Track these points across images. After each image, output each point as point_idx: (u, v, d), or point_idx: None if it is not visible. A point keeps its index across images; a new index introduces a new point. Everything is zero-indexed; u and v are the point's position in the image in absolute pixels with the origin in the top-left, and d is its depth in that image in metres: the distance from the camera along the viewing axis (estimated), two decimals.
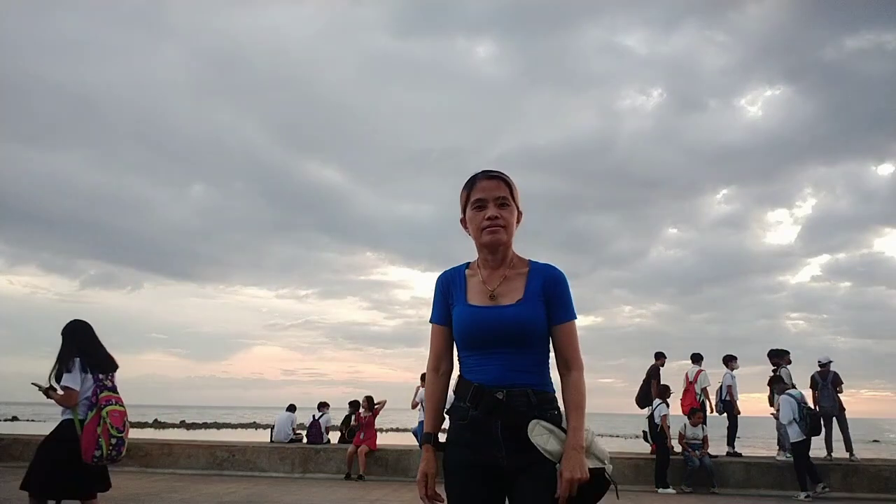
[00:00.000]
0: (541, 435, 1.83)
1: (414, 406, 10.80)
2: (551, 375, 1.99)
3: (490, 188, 1.98)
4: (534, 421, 1.85)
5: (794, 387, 9.91)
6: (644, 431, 10.54)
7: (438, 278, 2.11)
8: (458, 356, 2.03)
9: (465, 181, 2.06)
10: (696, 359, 11.29)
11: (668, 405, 10.15)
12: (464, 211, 2.05)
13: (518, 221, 2.04)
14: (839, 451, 9.85)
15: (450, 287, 2.05)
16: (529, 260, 2.06)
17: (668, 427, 9.87)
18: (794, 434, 9.05)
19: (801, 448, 9.05)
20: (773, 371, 10.39)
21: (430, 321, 2.08)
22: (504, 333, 1.90)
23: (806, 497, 8.75)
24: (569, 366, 1.95)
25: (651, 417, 10.11)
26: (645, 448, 10.92)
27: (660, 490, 9.37)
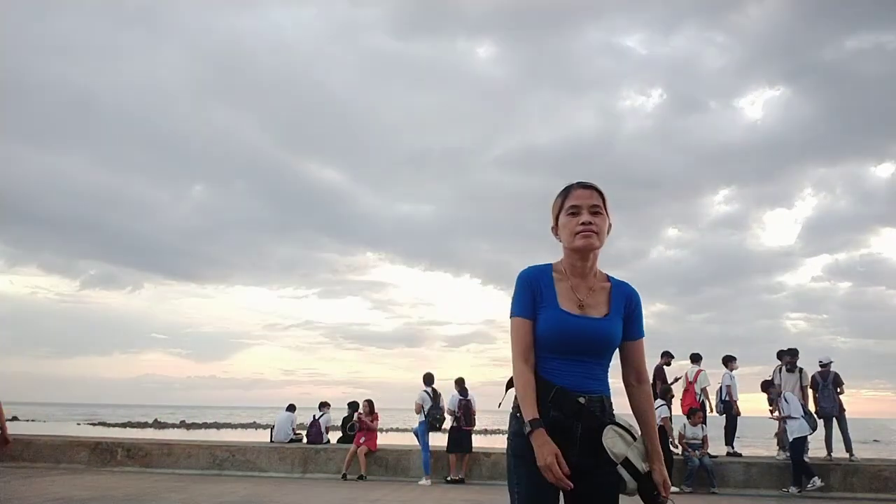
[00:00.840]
0: (611, 438, 2.00)
1: (418, 411, 10.71)
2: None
3: (584, 196, 2.10)
4: (609, 426, 2.02)
5: (803, 387, 9.96)
6: None
7: (523, 274, 2.15)
8: (536, 355, 2.09)
9: (560, 190, 2.18)
10: (696, 359, 11.28)
11: (669, 406, 10.10)
12: (556, 218, 2.17)
13: (608, 232, 2.15)
14: (839, 452, 9.85)
15: (538, 286, 2.12)
16: (607, 274, 2.19)
17: (671, 428, 9.84)
18: (801, 429, 9.08)
19: (803, 444, 9.10)
20: (788, 370, 10.28)
21: (515, 315, 2.11)
22: (593, 344, 2.06)
23: (798, 492, 8.83)
24: (640, 379, 2.17)
25: None
26: None
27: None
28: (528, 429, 1.97)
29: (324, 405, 12.48)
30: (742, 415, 11.19)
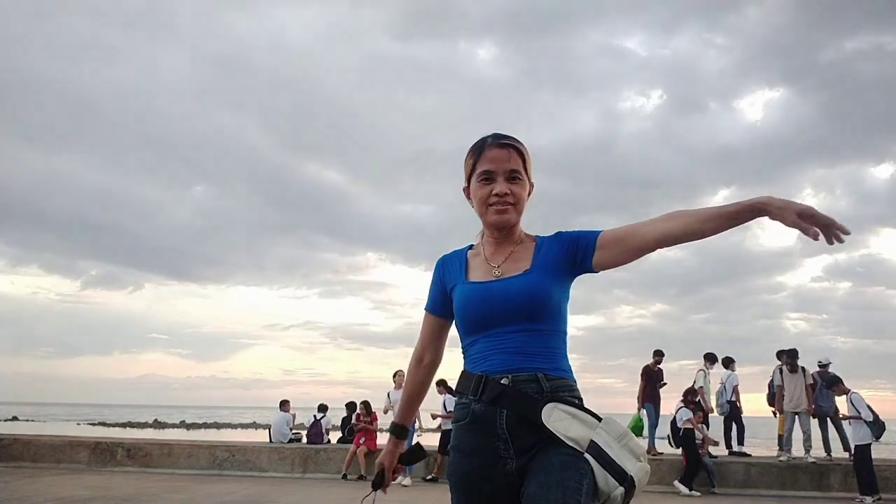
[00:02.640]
0: (559, 421, 1.51)
1: (386, 411, 10.69)
2: (569, 363, 1.69)
3: (501, 159, 1.69)
4: (550, 405, 1.53)
5: (807, 387, 9.84)
6: (667, 435, 10.16)
7: (436, 262, 1.85)
8: (462, 347, 1.75)
9: (473, 143, 1.77)
10: (708, 358, 11.18)
11: (690, 409, 9.82)
12: (468, 179, 1.76)
13: (529, 194, 1.75)
14: (837, 452, 9.88)
15: (447, 270, 1.80)
16: (537, 236, 1.79)
17: (694, 429, 9.58)
18: (866, 436, 8.78)
19: (868, 451, 8.78)
20: (791, 370, 10.10)
21: (424, 309, 1.86)
22: (507, 307, 1.62)
23: (874, 501, 8.47)
24: (657, 218, 1.60)
25: (673, 421, 9.85)
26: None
27: (680, 488, 9.19)
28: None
29: (322, 407, 12.44)
30: (742, 414, 11.17)
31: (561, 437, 1.49)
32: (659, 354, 11.12)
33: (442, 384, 10.69)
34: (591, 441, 1.49)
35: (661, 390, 10.87)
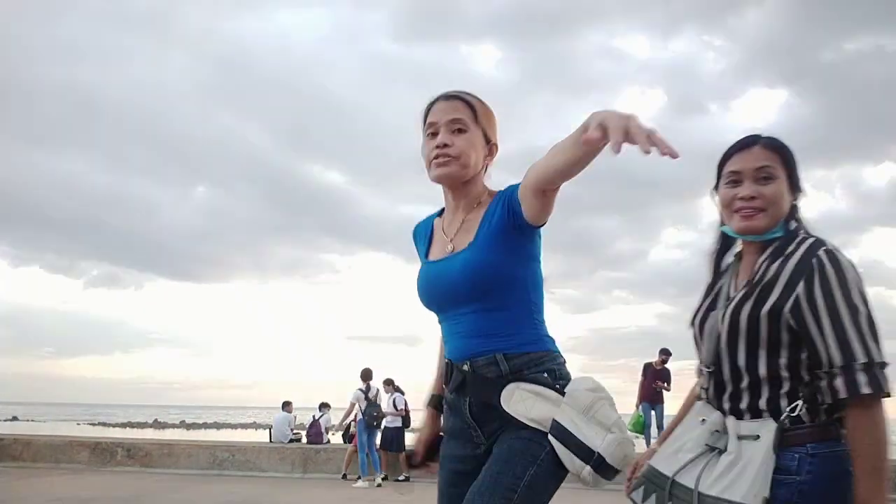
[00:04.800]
0: (521, 402, 1.43)
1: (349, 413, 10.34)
2: (540, 330, 1.55)
3: (444, 110, 1.55)
4: (511, 386, 1.45)
5: None
6: None
7: (412, 234, 1.77)
8: None
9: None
10: None
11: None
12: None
13: (491, 154, 1.61)
14: None
15: (417, 245, 1.72)
16: (499, 192, 1.59)
17: None
18: None
19: None
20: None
21: None
22: (453, 290, 1.53)
23: None
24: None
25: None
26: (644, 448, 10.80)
27: None
28: None
29: (324, 406, 12.45)
30: None
31: (522, 420, 1.42)
32: (665, 353, 10.76)
33: (389, 383, 10.61)
34: (554, 420, 1.40)
35: (665, 392, 10.58)
